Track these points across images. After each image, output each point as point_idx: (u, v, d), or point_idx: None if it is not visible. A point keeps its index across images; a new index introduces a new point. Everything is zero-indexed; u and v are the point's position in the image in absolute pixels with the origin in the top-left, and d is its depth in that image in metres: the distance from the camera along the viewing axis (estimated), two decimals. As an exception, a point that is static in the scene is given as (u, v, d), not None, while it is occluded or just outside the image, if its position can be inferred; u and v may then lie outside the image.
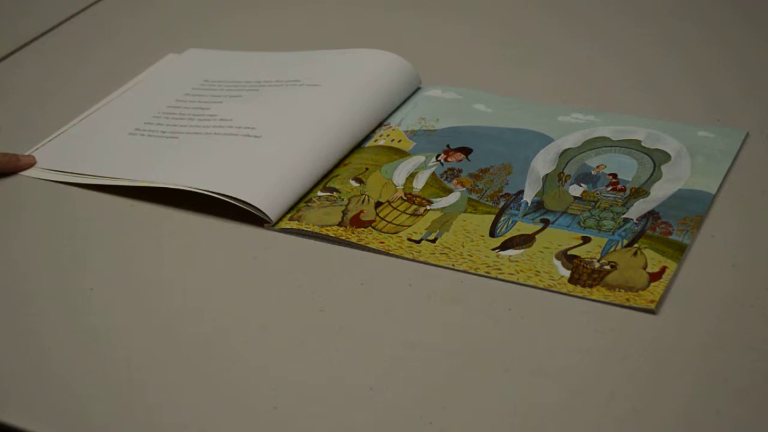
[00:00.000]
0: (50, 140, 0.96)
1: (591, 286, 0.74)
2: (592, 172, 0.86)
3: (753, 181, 0.84)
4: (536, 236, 0.80)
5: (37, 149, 0.95)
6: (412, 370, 0.70)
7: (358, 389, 0.69)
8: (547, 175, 0.86)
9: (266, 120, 0.93)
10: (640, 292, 0.74)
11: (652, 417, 0.65)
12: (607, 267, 0.76)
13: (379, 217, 0.84)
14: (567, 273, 0.76)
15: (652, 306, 0.72)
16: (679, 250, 0.77)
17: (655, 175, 0.85)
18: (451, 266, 0.78)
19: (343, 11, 1.16)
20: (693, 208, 0.81)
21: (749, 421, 0.64)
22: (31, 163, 0.93)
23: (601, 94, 0.97)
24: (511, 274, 0.77)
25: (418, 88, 0.99)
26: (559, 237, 0.80)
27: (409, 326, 0.73)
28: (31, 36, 1.15)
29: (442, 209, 0.84)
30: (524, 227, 0.81)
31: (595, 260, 0.77)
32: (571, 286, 0.75)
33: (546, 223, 0.81)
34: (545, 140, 0.90)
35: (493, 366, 0.70)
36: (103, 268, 0.82)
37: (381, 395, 0.68)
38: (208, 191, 0.85)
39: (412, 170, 0.89)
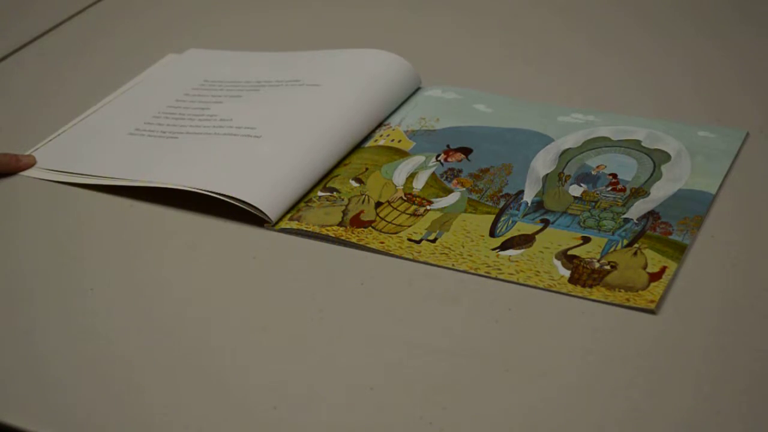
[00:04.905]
0: (50, 140, 0.96)
1: (591, 286, 0.74)
2: (592, 172, 0.86)
3: (753, 181, 0.84)
4: (536, 236, 0.80)
5: (37, 149, 0.95)
6: (412, 370, 0.70)
7: (358, 389, 0.69)
8: (547, 175, 0.86)
9: (266, 120, 0.93)
10: (640, 292, 0.74)
11: (652, 417, 0.65)
12: (607, 267, 0.76)
13: (379, 217, 0.84)
14: (567, 273, 0.76)
15: (652, 306, 0.72)
16: (679, 250, 0.77)
17: (655, 175, 0.85)
18: (451, 266, 0.78)
19: (343, 11, 1.16)
20: (693, 208, 0.81)
21: (749, 421, 0.64)
22: (31, 163, 0.93)
23: (601, 94, 0.97)
24: (511, 274, 0.77)
25: (418, 88, 0.99)
26: (559, 237, 0.80)
27: (409, 326, 0.73)
28: (31, 36, 1.15)
29: (442, 209, 0.84)
30: (524, 227, 0.81)
31: (595, 260, 0.77)
32: (571, 286, 0.75)
33: (546, 223, 0.81)
34: (545, 140, 0.90)
35: (493, 366, 0.70)
36: (103, 268, 0.82)
37: (381, 395, 0.68)
38: (208, 191, 0.85)
39: (412, 170, 0.89)
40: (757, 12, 1.07)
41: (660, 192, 0.83)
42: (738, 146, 0.87)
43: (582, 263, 0.77)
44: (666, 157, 0.87)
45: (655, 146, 0.88)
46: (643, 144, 0.88)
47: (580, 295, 0.74)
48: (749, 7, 1.08)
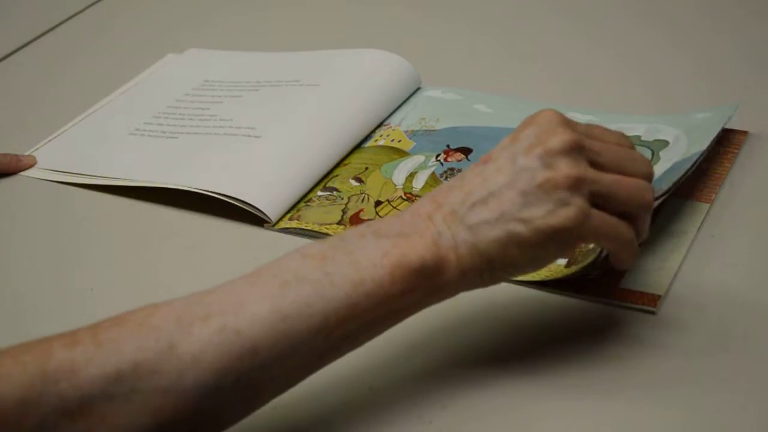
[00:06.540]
0: (50, 140, 0.96)
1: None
2: (592, 172, 0.86)
3: (753, 182, 0.84)
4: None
5: (37, 149, 0.95)
6: (412, 370, 0.70)
7: (358, 389, 0.69)
8: (547, 174, 0.86)
9: (266, 120, 0.93)
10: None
11: (651, 417, 0.65)
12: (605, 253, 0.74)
13: (379, 216, 0.84)
14: (563, 261, 0.75)
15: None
16: (679, 250, 0.77)
17: (653, 161, 0.84)
18: (451, 266, 0.78)
19: (343, 11, 1.16)
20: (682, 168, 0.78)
21: (749, 421, 0.64)
22: (31, 163, 0.93)
23: (601, 93, 0.97)
24: (511, 273, 0.76)
25: (418, 88, 0.99)
26: (559, 237, 0.79)
27: (409, 326, 0.73)
28: (31, 36, 1.15)
29: (442, 209, 0.84)
30: (524, 227, 0.81)
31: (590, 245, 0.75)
32: (567, 270, 0.74)
33: (546, 222, 0.81)
34: (545, 140, 0.90)
35: (493, 366, 0.69)
36: (103, 268, 0.82)
37: (381, 395, 0.68)
38: (208, 191, 0.85)
39: (412, 170, 0.89)
40: (760, 8, 1.07)
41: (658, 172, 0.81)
42: (730, 114, 0.84)
43: (579, 249, 0.76)
44: (664, 144, 0.86)
45: (655, 138, 0.87)
46: (642, 138, 0.88)
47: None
48: (750, 6, 1.07)
